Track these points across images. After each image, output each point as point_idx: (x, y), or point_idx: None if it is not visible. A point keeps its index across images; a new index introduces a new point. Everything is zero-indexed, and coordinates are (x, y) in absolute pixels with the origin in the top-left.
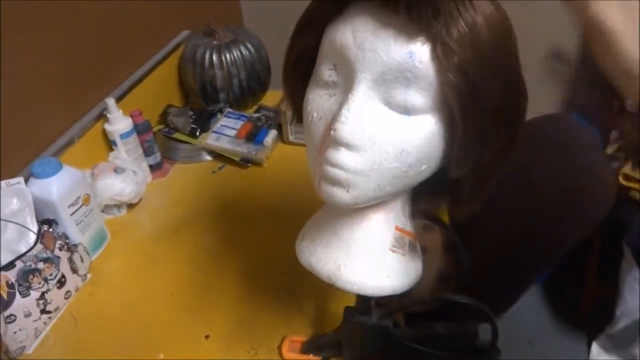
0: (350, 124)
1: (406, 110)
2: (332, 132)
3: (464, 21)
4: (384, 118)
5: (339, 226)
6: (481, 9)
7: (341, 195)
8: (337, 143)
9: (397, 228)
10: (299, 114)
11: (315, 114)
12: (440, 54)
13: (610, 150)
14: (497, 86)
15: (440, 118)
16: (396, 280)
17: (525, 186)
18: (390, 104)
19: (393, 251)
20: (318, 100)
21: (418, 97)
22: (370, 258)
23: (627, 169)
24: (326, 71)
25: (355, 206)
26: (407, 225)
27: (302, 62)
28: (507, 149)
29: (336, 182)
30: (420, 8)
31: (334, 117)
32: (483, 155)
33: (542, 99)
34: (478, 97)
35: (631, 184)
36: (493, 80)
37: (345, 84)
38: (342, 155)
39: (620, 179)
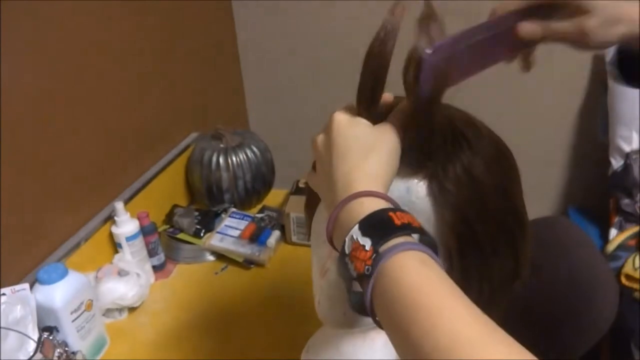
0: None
1: None
2: (334, 256)
3: (460, 163)
4: None
5: (342, 343)
6: (481, 150)
7: (338, 318)
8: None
9: None
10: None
11: (321, 237)
12: (436, 192)
13: (610, 248)
14: (496, 227)
15: (439, 251)
16: None
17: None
18: None
19: None
20: (324, 224)
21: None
22: None
23: (629, 269)
24: None
25: (352, 329)
26: None
27: None
28: (509, 279)
29: (334, 305)
30: (412, 152)
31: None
32: (483, 287)
33: (540, 194)
34: (475, 237)
35: (634, 285)
36: (492, 221)
37: None
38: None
39: (623, 280)
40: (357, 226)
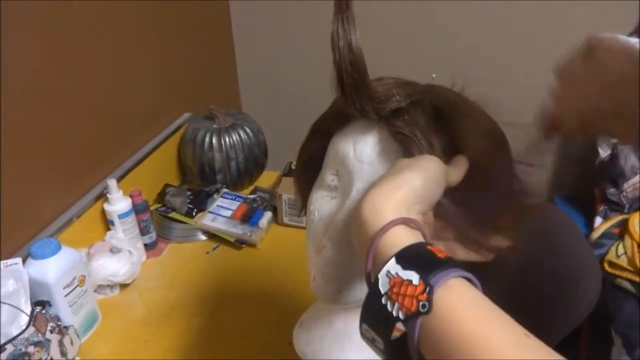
0: (344, 228)
1: None
2: (329, 234)
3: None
4: None
5: (335, 319)
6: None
7: (333, 294)
8: (334, 244)
9: None
10: (306, 208)
11: (316, 214)
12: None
13: (594, 236)
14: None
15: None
16: None
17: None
18: None
19: None
20: (320, 201)
21: None
22: (362, 354)
23: (612, 256)
24: (329, 176)
25: (346, 305)
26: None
27: (311, 164)
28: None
29: (329, 281)
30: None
31: (331, 219)
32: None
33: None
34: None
35: (616, 272)
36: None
37: (344, 190)
38: (336, 256)
39: (605, 266)
40: (394, 260)
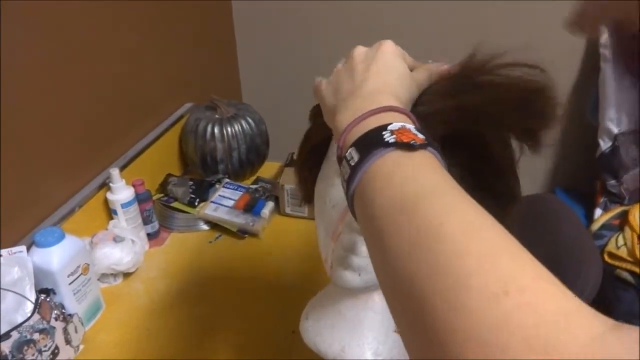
0: None
1: None
2: (347, 219)
3: None
4: None
5: (344, 307)
6: None
7: (353, 278)
8: (351, 229)
9: None
10: (308, 196)
11: (328, 202)
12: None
13: (595, 227)
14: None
15: None
16: None
17: None
18: None
19: (397, 333)
20: (331, 189)
21: None
22: (375, 340)
23: (612, 247)
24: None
25: (365, 289)
26: None
27: (317, 150)
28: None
29: (348, 266)
30: None
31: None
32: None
33: (527, 174)
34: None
35: (616, 263)
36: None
37: None
38: (355, 241)
39: (606, 257)
40: (413, 126)
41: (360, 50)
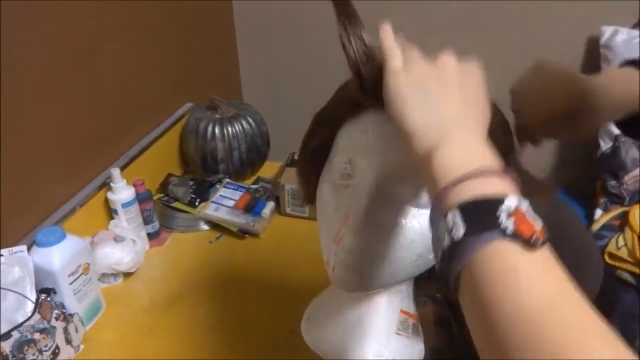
0: (365, 215)
1: (416, 203)
2: (349, 222)
3: None
4: (396, 211)
5: (345, 308)
6: None
7: (354, 281)
8: (353, 232)
9: (402, 311)
10: (309, 197)
11: (330, 204)
12: None
13: (595, 227)
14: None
15: None
16: None
17: None
18: (402, 197)
19: (398, 334)
20: (333, 192)
21: (425, 194)
22: (377, 341)
23: (612, 247)
24: (342, 164)
25: (367, 292)
26: (411, 308)
27: (319, 152)
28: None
29: (350, 269)
30: None
31: (349, 208)
32: None
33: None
34: None
35: (617, 263)
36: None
37: (360, 177)
38: (357, 244)
39: (606, 258)
40: (527, 203)
41: (451, 59)
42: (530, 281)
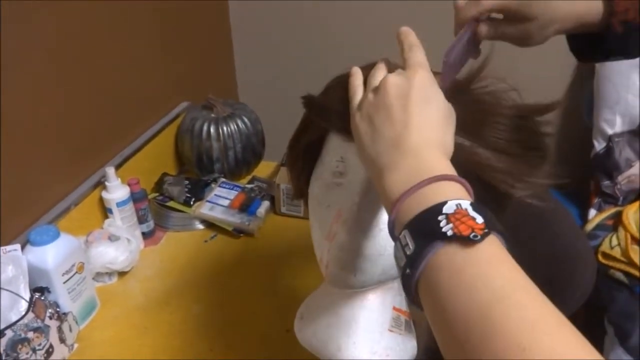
0: (359, 212)
1: None
2: (342, 220)
3: None
4: None
5: (339, 306)
6: None
7: (348, 279)
8: (346, 229)
9: (394, 308)
10: (299, 193)
11: (324, 202)
12: None
13: (589, 227)
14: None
15: None
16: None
17: None
18: None
19: (391, 331)
20: (325, 190)
21: None
22: (370, 338)
23: (606, 247)
24: (334, 162)
25: (361, 289)
26: (403, 305)
27: (311, 148)
28: None
29: (344, 267)
30: None
31: (342, 205)
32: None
33: None
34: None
35: (610, 263)
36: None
37: (352, 175)
38: (350, 241)
39: (599, 258)
40: (468, 202)
41: (392, 82)
42: (476, 277)
